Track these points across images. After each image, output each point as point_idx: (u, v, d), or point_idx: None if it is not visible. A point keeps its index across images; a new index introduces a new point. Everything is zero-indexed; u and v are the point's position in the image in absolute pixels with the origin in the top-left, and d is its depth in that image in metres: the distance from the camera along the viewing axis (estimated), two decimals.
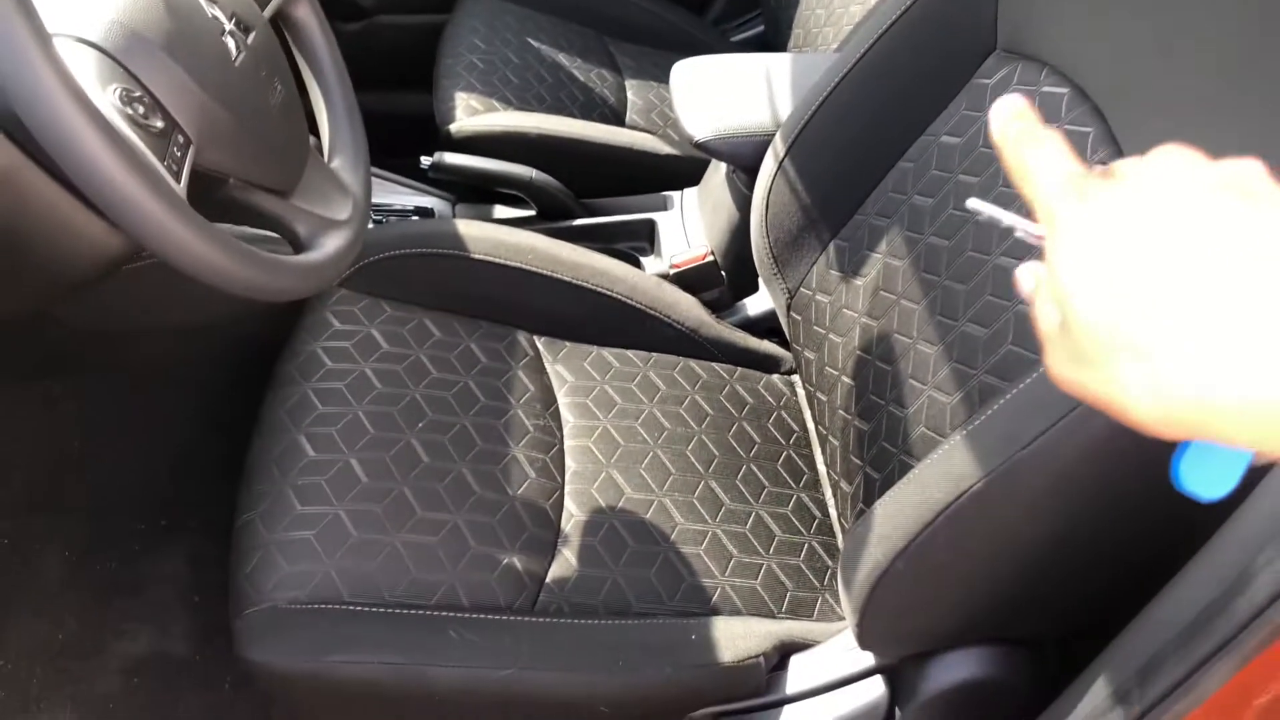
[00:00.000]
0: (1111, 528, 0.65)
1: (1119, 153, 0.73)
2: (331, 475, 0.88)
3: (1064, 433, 0.61)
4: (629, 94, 1.58)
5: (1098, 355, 0.32)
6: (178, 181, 0.61)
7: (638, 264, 1.32)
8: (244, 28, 0.73)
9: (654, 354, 1.12)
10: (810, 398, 1.06)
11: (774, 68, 1.18)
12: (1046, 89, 0.82)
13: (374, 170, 1.34)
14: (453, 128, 1.36)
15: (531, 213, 1.36)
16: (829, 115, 1.01)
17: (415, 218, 1.33)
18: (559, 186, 1.32)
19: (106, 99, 0.60)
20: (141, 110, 0.61)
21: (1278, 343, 0.28)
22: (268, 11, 0.81)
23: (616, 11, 1.73)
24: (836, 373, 0.98)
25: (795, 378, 1.16)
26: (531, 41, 1.57)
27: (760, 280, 1.15)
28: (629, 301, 1.11)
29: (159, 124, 0.62)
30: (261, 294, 0.68)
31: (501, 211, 1.37)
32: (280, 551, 0.82)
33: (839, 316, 1.00)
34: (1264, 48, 0.65)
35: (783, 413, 1.11)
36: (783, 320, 1.12)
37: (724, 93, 1.16)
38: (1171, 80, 0.70)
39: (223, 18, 0.70)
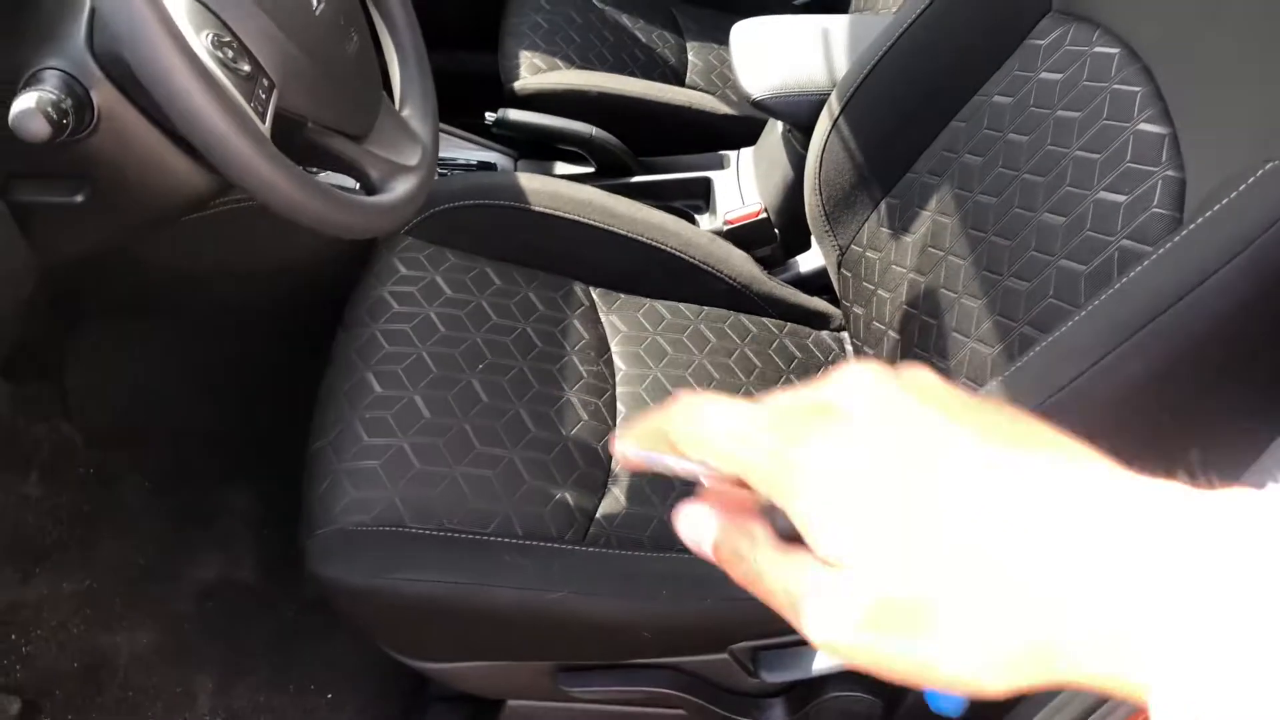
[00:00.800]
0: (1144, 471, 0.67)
1: (1165, 111, 0.75)
2: (397, 410, 0.93)
3: (1095, 378, 0.64)
4: (689, 55, 1.60)
5: (909, 622, 0.27)
6: (263, 121, 0.66)
7: (693, 221, 1.35)
8: None
9: (706, 307, 1.15)
10: (857, 352, 1.09)
11: (832, 28, 1.20)
12: (1098, 49, 0.84)
13: (440, 125, 1.38)
14: (517, 85, 1.40)
15: (591, 169, 1.39)
16: (884, 75, 1.02)
17: (478, 171, 1.37)
18: (618, 144, 1.35)
19: (200, 43, 0.65)
20: (230, 54, 0.66)
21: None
22: None
23: None
24: (883, 327, 1.01)
25: (844, 334, 1.19)
26: (595, 2, 1.60)
27: (812, 237, 1.17)
28: (682, 256, 1.15)
29: (246, 68, 0.67)
30: (334, 229, 0.72)
31: (562, 168, 1.41)
32: (348, 478, 0.88)
33: (888, 272, 1.02)
34: None
35: (830, 367, 1.14)
36: (833, 277, 1.14)
37: (782, 52, 1.18)
38: (1219, 42, 0.71)
39: None
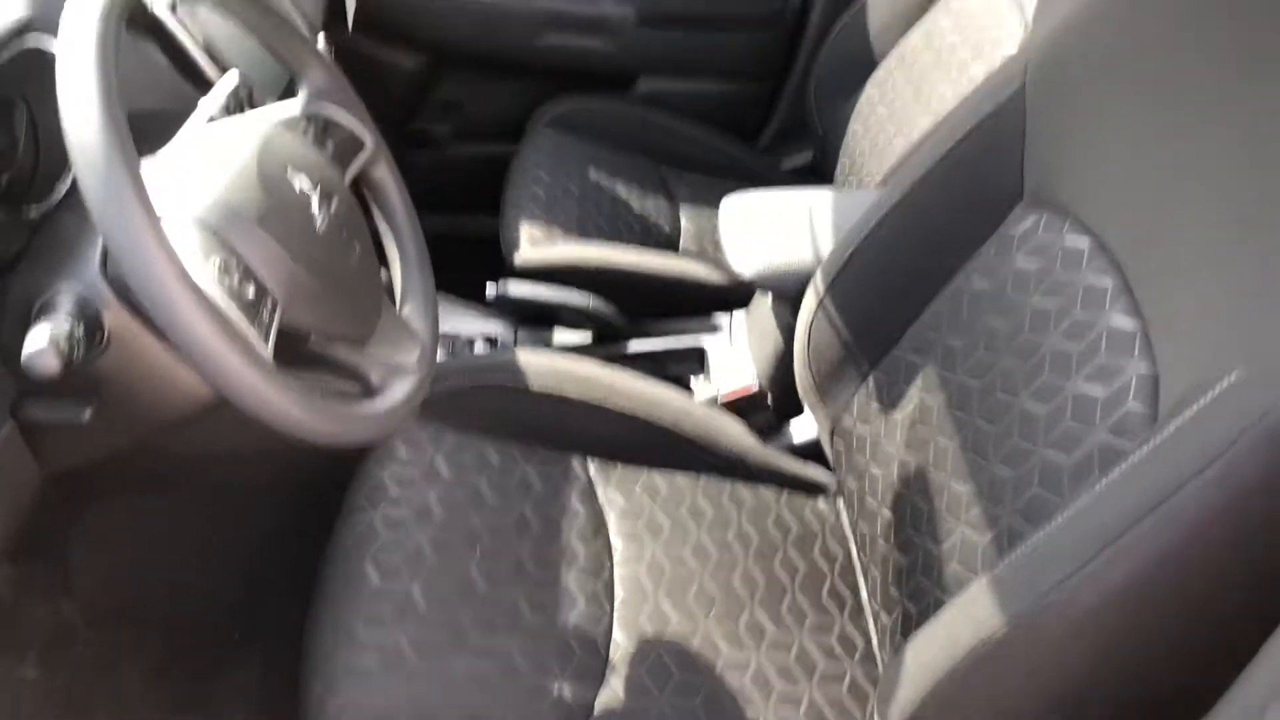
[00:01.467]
0: (1135, 674, 0.67)
1: (1135, 306, 0.77)
2: (394, 603, 0.94)
3: (1083, 581, 0.64)
4: (683, 221, 1.66)
5: None
6: (266, 343, 0.69)
7: (688, 387, 1.38)
8: (328, 196, 0.81)
9: (703, 477, 1.16)
10: (853, 525, 1.09)
11: (817, 205, 1.25)
12: (1069, 240, 0.87)
13: (444, 297, 1.43)
14: (517, 257, 1.45)
15: (589, 337, 1.43)
16: (867, 255, 1.06)
17: (481, 344, 1.40)
18: (615, 313, 1.39)
19: (207, 272, 0.68)
20: (237, 279, 0.69)
21: None
22: (348, 176, 0.89)
23: (672, 143, 1.82)
24: (877, 503, 1.02)
25: (840, 501, 1.20)
26: (592, 172, 1.67)
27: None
28: (676, 428, 1.17)
29: (251, 292, 0.70)
30: (340, 443, 0.75)
31: (561, 335, 1.45)
32: (345, 678, 0.88)
33: (878, 448, 1.04)
34: (1267, 219, 0.69)
35: (828, 537, 1.14)
36: (826, 447, 1.16)
37: (769, 229, 1.22)
38: (1183, 244, 0.75)
39: (309, 189, 0.79)
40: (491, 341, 1.40)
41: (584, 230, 1.53)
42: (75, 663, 1.30)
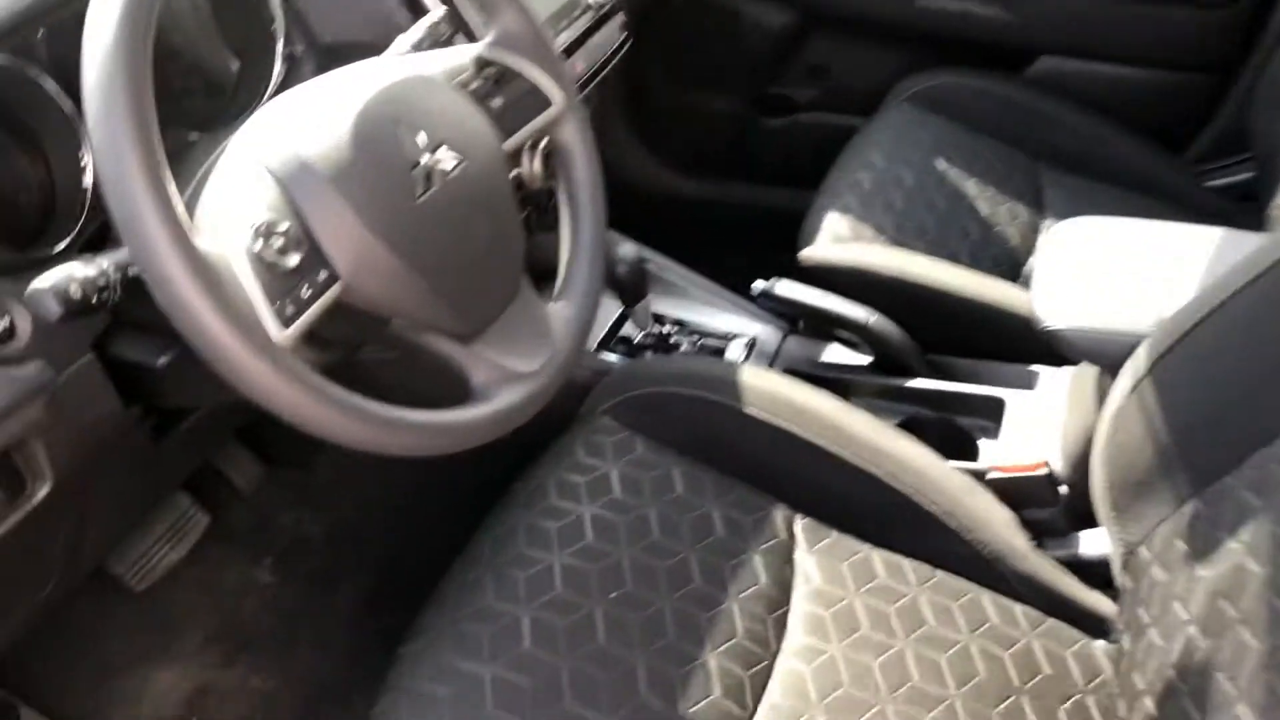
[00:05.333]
0: None
1: None
2: (498, 628, 0.81)
3: None
4: (1039, 237, 1.33)
5: None
6: (283, 322, 0.57)
7: (974, 446, 1.09)
8: (456, 159, 0.68)
9: (939, 573, 0.90)
10: (1119, 695, 0.79)
11: (1184, 249, 0.90)
12: None
13: (711, 291, 1.27)
14: (803, 254, 1.24)
15: (867, 360, 1.19)
16: (1213, 335, 0.74)
17: (738, 346, 1.22)
18: (902, 337, 1.14)
19: (240, 231, 0.58)
20: (279, 244, 0.59)
21: None
22: (517, 138, 0.76)
23: (1063, 139, 1.48)
24: (1143, 688, 0.71)
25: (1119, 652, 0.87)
26: (940, 162, 1.39)
27: None
28: (918, 500, 0.92)
29: (293, 261, 0.59)
30: (389, 452, 0.63)
31: (833, 353, 1.22)
32: (408, 704, 0.77)
33: (1168, 611, 0.72)
34: None
35: (1088, 699, 0.83)
36: (1116, 577, 0.85)
37: (1103, 272, 0.91)
38: None
39: (423, 150, 0.66)
40: (750, 345, 1.21)
41: (901, 232, 1.27)
42: (305, 574, 1.35)
